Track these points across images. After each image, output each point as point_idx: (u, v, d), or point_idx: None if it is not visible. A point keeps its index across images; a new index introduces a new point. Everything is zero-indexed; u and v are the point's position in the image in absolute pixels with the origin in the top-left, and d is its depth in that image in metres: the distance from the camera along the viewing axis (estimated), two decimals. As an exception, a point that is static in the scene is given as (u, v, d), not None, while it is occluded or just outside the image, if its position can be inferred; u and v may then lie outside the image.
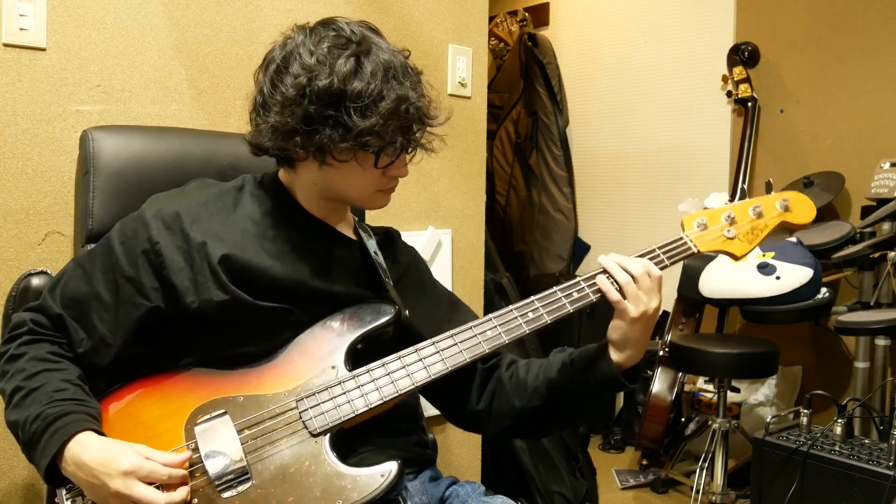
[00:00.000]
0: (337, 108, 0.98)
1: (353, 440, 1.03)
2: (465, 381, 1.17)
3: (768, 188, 1.20)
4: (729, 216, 1.14)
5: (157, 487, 0.91)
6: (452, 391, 1.18)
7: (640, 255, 1.09)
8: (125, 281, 1.04)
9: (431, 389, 1.16)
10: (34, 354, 1.01)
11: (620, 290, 1.03)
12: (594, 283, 1.05)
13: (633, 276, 1.03)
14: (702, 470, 2.40)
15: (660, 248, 1.11)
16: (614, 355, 1.06)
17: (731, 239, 1.13)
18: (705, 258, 2.52)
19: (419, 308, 1.17)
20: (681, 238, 1.12)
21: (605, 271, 1.05)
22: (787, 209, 1.15)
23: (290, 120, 1.00)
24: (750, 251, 1.13)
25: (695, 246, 1.12)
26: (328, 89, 0.98)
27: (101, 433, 0.95)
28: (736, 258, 1.14)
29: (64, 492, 0.94)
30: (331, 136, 0.99)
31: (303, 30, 1.05)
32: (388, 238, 1.25)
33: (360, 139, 0.98)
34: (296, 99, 0.99)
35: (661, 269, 1.09)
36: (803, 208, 1.16)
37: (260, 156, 1.09)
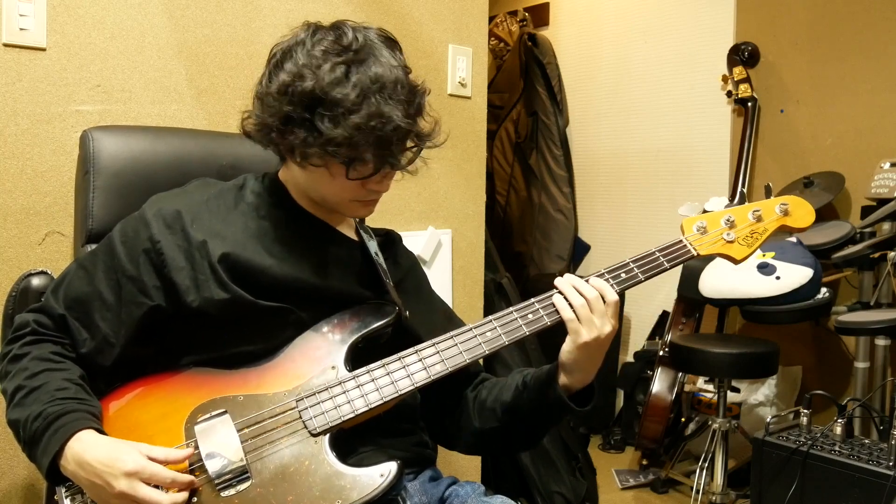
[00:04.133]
0: (312, 112, 0.98)
1: (353, 440, 1.03)
2: (441, 397, 1.19)
3: (767, 192, 1.20)
4: (728, 220, 1.14)
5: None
6: (431, 406, 1.20)
7: (637, 259, 1.09)
8: (127, 280, 1.04)
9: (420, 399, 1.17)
10: (37, 354, 1.01)
11: (574, 313, 1.03)
12: (550, 304, 1.05)
13: (586, 300, 1.03)
14: (702, 470, 2.40)
15: (659, 251, 1.11)
16: (563, 378, 1.07)
17: (731, 242, 1.13)
18: (705, 258, 2.51)
19: (417, 313, 1.17)
20: (680, 241, 1.13)
21: (559, 292, 1.05)
22: (786, 213, 1.16)
23: (270, 117, 1.01)
24: (749, 255, 1.14)
25: (694, 249, 1.12)
26: (308, 93, 0.98)
27: (102, 432, 0.95)
28: (735, 262, 1.14)
29: (63, 490, 0.94)
30: (304, 140, 0.99)
31: (309, 28, 1.04)
32: (389, 240, 1.25)
33: (327, 147, 0.98)
34: (278, 97, 1.00)
35: (660, 272, 1.09)
36: (802, 212, 1.16)
37: (253, 142, 1.09)
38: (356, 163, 1.00)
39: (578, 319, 1.02)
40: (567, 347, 1.05)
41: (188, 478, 0.92)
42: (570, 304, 1.03)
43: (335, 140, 0.97)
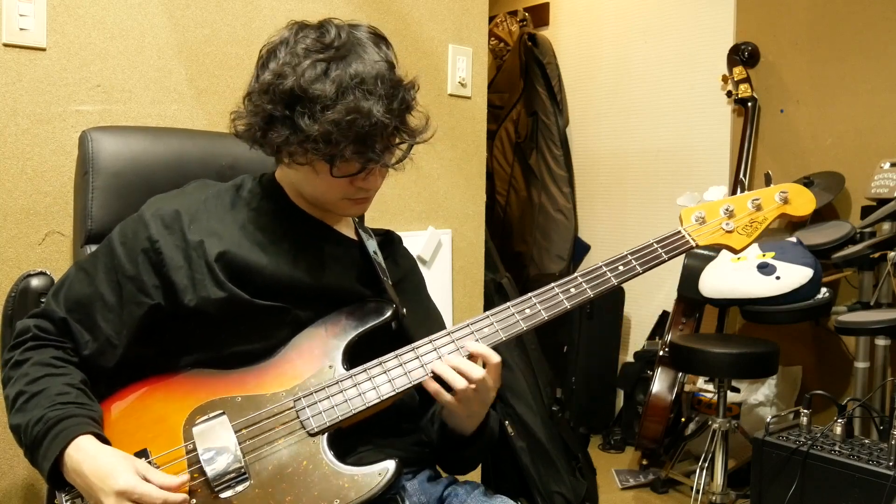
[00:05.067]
0: (292, 110, 0.98)
1: (352, 439, 1.03)
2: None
3: (767, 181, 1.19)
4: (727, 209, 1.13)
5: None
6: (429, 404, 1.19)
7: (635, 252, 1.09)
8: (127, 280, 1.04)
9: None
10: (38, 359, 1.01)
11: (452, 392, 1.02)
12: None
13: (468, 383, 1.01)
14: (702, 470, 2.40)
15: (657, 242, 1.10)
16: (462, 429, 1.09)
17: (730, 232, 1.12)
18: (705, 257, 2.51)
19: (414, 314, 1.17)
20: (678, 232, 1.12)
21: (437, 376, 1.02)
22: (786, 201, 1.14)
23: (254, 117, 1.02)
24: (749, 244, 1.12)
25: (693, 240, 1.11)
26: (289, 91, 0.98)
27: (102, 436, 0.95)
28: (735, 251, 1.13)
29: (64, 495, 0.94)
30: (286, 138, 0.99)
31: (293, 27, 1.05)
32: (389, 240, 1.25)
33: (305, 144, 0.98)
34: (261, 97, 1.00)
35: (659, 264, 1.09)
36: (802, 200, 1.15)
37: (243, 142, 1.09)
38: (338, 159, 0.99)
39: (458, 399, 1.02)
40: (448, 418, 1.08)
41: (181, 496, 0.91)
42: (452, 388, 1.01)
43: (312, 136, 0.96)
